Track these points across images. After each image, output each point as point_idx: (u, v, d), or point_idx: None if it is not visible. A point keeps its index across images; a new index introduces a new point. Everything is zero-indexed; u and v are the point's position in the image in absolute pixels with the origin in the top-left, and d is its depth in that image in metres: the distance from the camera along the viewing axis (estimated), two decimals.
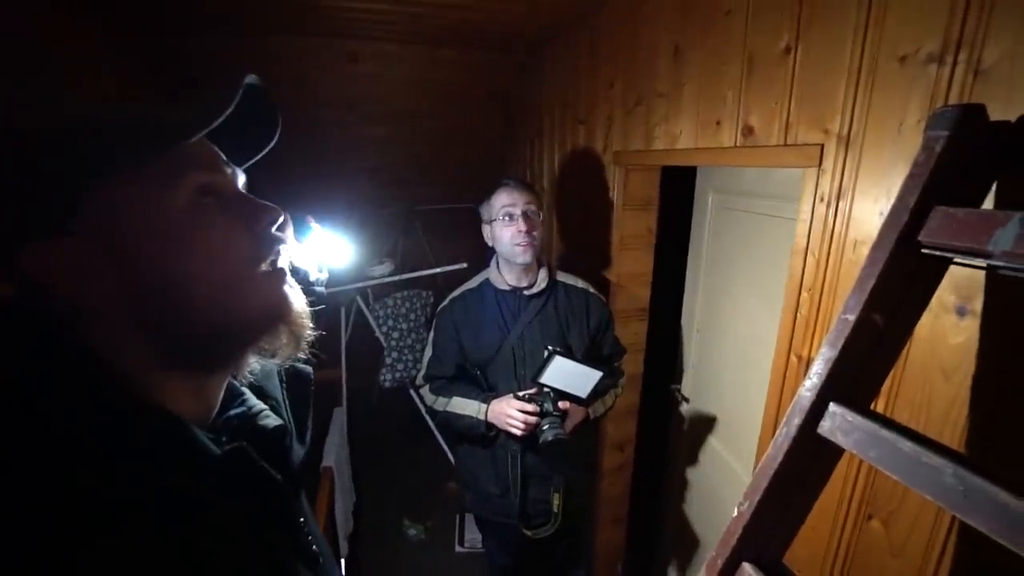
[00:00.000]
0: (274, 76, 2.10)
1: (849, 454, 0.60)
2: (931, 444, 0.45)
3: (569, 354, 1.26)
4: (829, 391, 0.60)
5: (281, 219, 0.46)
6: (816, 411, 0.61)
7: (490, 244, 1.44)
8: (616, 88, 1.55)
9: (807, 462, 0.64)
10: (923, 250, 0.55)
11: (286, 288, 0.47)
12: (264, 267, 0.45)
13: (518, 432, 1.27)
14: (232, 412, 0.50)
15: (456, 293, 1.47)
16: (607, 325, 1.53)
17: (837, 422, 0.58)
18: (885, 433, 0.49)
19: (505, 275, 1.42)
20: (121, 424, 0.38)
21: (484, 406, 1.33)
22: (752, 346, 1.42)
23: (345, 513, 2.07)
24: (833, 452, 0.63)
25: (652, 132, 1.36)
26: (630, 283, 1.71)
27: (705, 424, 1.71)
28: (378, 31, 1.89)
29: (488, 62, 2.29)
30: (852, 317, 0.57)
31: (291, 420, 0.56)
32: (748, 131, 1.00)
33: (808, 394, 0.61)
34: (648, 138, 1.39)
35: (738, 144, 1.02)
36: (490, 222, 1.40)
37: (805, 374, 0.88)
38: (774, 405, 0.98)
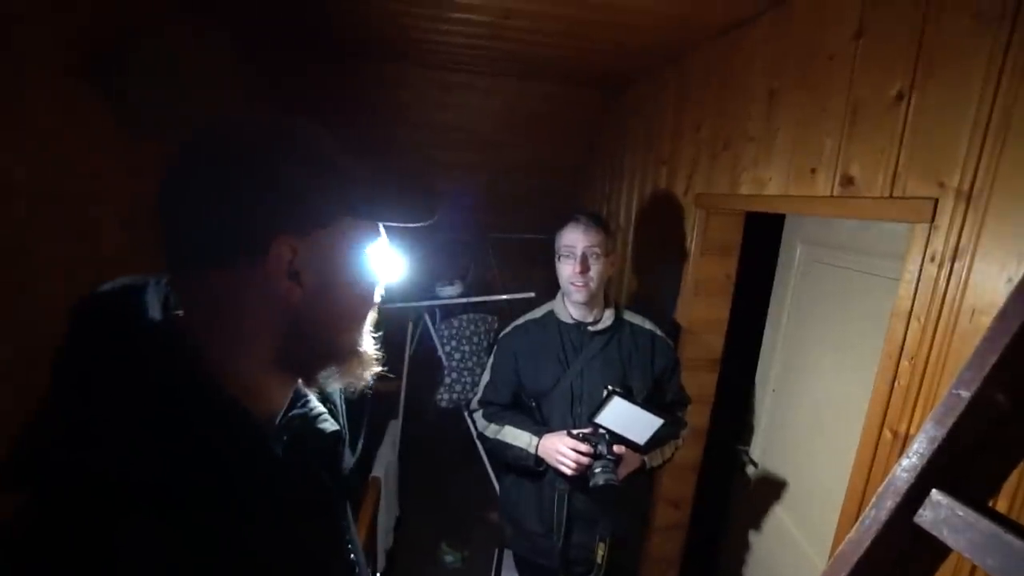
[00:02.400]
0: (374, 99, 2.29)
1: (956, 558, 0.51)
2: None
3: (629, 396, 1.21)
4: (932, 476, 0.52)
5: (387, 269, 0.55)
6: (915, 497, 0.53)
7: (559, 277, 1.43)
8: (703, 130, 1.52)
9: (899, 555, 0.55)
10: None
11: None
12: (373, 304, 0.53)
13: (568, 471, 1.22)
14: (295, 412, 0.53)
15: (519, 321, 1.47)
16: (673, 370, 1.45)
17: (942, 514, 0.49)
18: (1012, 539, 0.41)
19: (570, 308, 1.41)
20: (196, 413, 0.41)
21: (536, 439, 1.30)
22: (834, 413, 1.28)
23: (387, 527, 2.09)
24: (935, 549, 0.54)
25: (739, 176, 1.31)
26: (702, 330, 1.63)
27: (773, 492, 1.55)
28: (470, 63, 2.00)
29: (573, 97, 2.34)
30: (967, 393, 0.50)
31: (346, 427, 0.58)
32: (847, 181, 0.93)
33: (905, 475, 0.53)
34: (734, 182, 1.33)
35: (835, 194, 0.95)
36: (557, 256, 1.39)
37: (903, 452, 0.78)
38: (860, 483, 0.87)
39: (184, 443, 0.39)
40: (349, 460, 0.57)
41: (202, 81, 1.52)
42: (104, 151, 1.22)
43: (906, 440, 0.76)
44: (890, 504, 0.53)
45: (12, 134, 0.96)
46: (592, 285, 1.32)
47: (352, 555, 0.54)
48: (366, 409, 0.63)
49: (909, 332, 0.77)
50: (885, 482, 0.54)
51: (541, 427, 1.34)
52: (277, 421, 0.51)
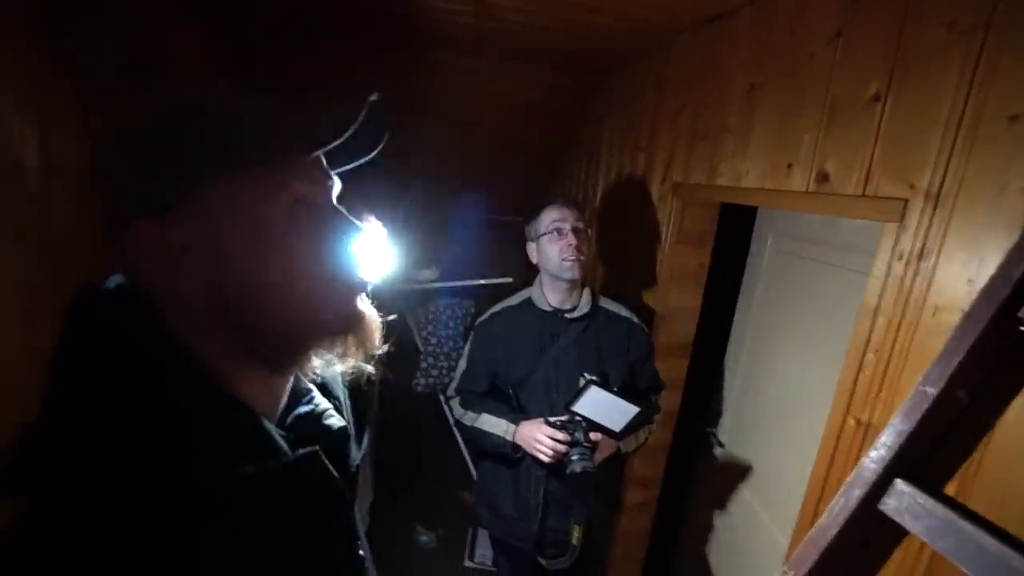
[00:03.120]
0: (349, 77, 2.20)
1: (910, 539, 0.55)
2: (1022, 547, 0.41)
3: (606, 385, 1.23)
4: (897, 466, 0.56)
5: (361, 235, 0.48)
6: (880, 486, 0.56)
7: (534, 262, 1.43)
8: (682, 120, 1.53)
9: (864, 539, 0.59)
10: (1022, 327, 0.50)
11: (358, 301, 0.48)
12: (341, 279, 0.46)
13: (545, 459, 1.25)
14: (301, 410, 0.51)
15: (496, 308, 1.47)
16: (647, 357, 1.49)
17: (905, 502, 0.53)
18: (965, 525, 0.45)
19: (548, 295, 1.41)
20: (199, 411, 0.40)
21: (513, 427, 1.32)
22: (799, 400, 1.35)
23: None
24: (895, 533, 0.58)
25: (716, 168, 1.33)
26: (675, 318, 1.67)
27: (739, 472, 1.62)
28: (452, 44, 1.94)
29: (555, 82, 2.31)
30: (933, 390, 0.53)
31: (351, 421, 0.57)
32: (822, 177, 0.96)
33: (873, 466, 0.57)
34: (712, 173, 1.36)
35: (810, 190, 0.98)
36: (537, 238, 1.39)
37: (864, 440, 0.82)
38: (824, 466, 0.92)
39: (186, 445, 0.38)
40: (356, 455, 0.56)
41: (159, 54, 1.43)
42: (59, 121, 1.14)
43: (868, 428, 0.81)
44: (858, 493, 0.56)
45: None
46: (584, 259, 1.34)
47: (361, 551, 0.54)
48: (371, 403, 0.61)
49: (875, 327, 0.81)
50: (854, 472, 0.58)
51: (518, 415, 1.35)
52: (285, 421, 0.49)
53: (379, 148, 0.50)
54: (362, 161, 0.51)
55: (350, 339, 0.46)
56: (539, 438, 1.25)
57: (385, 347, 0.51)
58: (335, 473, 0.45)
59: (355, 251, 0.47)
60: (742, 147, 1.22)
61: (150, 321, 0.41)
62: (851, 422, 0.86)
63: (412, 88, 2.30)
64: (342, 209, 0.47)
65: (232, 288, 0.41)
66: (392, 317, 0.52)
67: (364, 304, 0.48)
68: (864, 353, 0.83)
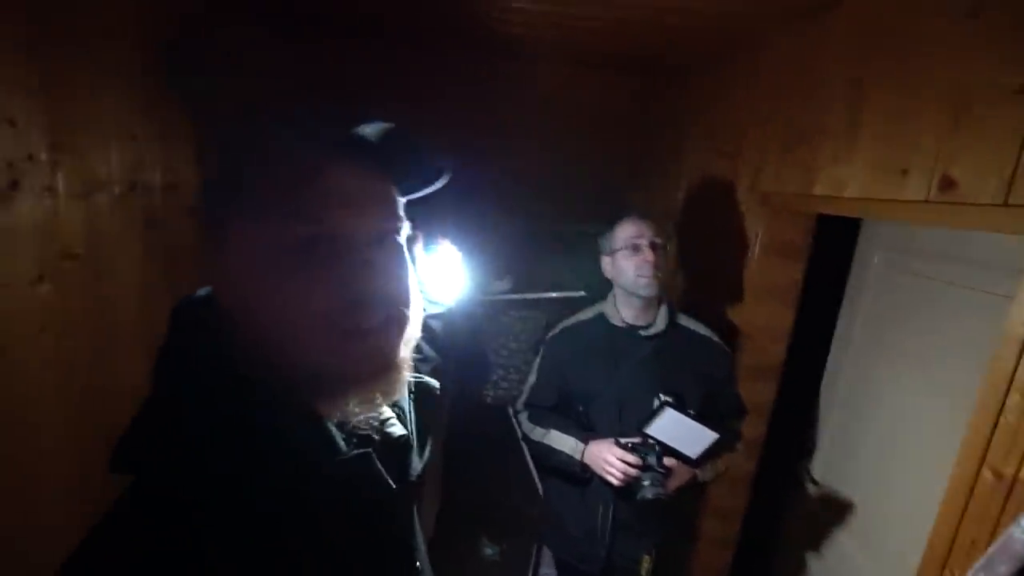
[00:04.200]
0: (412, 84, 2.29)
1: None
2: None
3: (683, 407, 1.15)
4: None
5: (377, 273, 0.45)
6: None
7: (608, 277, 1.38)
8: (774, 123, 1.41)
9: None
10: None
11: (362, 350, 0.44)
12: (344, 327, 0.43)
13: (615, 481, 1.18)
14: (361, 416, 0.51)
15: (568, 322, 1.44)
16: (729, 379, 1.38)
17: None
18: None
19: (622, 310, 1.35)
20: (273, 410, 0.43)
21: (581, 445, 1.27)
22: (913, 437, 1.17)
23: (429, 518, 2.12)
24: None
25: (814, 175, 1.20)
26: (763, 337, 1.52)
27: (836, 514, 1.45)
28: (521, 46, 1.94)
29: (629, 86, 2.25)
30: None
31: (414, 432, 0.57)
32: (947, 184, 0.82)
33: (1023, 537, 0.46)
34: (807, 181, 1.23)
35: (931, 199, 0.85)
36: (612, 253, 1.34)
37: (1007, 498, 0.69)
38: (951, 523, 0.78)
39: (255, 442, 0.41)
40: (417, 466, 0.56)
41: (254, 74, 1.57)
42: (179, 149, 1.29)
43: (1013, 485, 0.67)
44: (1003, 570, 0.46)
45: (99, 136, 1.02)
46: (661, 276, 1.27)
47: (417, 563, 0.54)
48: (435, 415, 0.62)
49: (1022, 362, 0.67)
50: (998, 542, 0.48)
51: (587, 433, 1.30)
52: (343, 426, 0.50)
53: (437, 183, 0.51)
54: (418, 194, 0.52)
55: (369, 389, 0.45)
56: (609, 460, 1.19)
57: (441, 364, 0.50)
58: (387, 477, 0.46)
59: (375, 291, 0.44)
60: (845, 151, 1.09)
61: (229, 329, 0.44)
62: (987, 475, 0.72)
63: (481, 98, 2.34)
64: (349, 259, 0.44)
65: (254, 327, 0.44)
66: (435, 361, 0.51)
67: (369, 353, 0.45)
68: (1007, 393, 0.69)
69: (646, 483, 1.13)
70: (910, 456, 1.18)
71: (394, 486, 0.47)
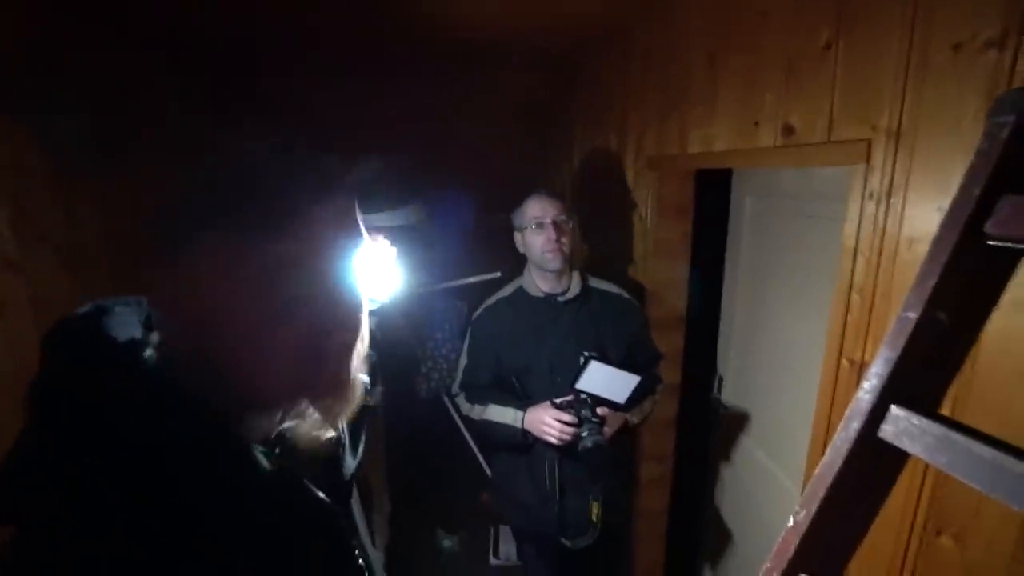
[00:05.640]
0: (321, 104, 2.19)
1: (913, 463, 0.57)
2: (1015, 450, 0.43)
3: (605, 359, 1.25)
4: (890, 393, 0.57)
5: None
6: (877, 414, 0.58)
7: (521, 251, 1.45)
8: (650, 97, 1.55)
9: (868, 468, 0.61)
10: (989, 242, 0.52)
11: (327, 368, 0.46)
12: (289, 337, 0.43)
13: (554, 440, 1.26)
14: (288, 423, 0.51)
15: (490, 301, 1.48)
16: (642, 330, 1.51)
17: (901, 426, 0.55)
18: (958, 437, 0.46)
19: (538, 282, 1.43)
20: (175, 431, 0.40)
21: (521, 413, 1.33)
22: (794, 351, 1.37)
23: (382, 524, 2.09)
24: (897, 458, 0.60)
25: (687, 136, 1.35)
26: (665, 291, 1.69)
27: (747, 432, 1.65)
28: (416, 54, 1.94)
29: (520, 76, 2.32)
30: (913, 315, 0.55)
31: (346, 430, 0.57)
32: (788, 131, 0.98)
33: (867, 396, 0.58)
34: (683, 142, 1.37)
35: (778, 144, 1.00)
36: (521, 230, 1.41)
37: (859, 378, 0.84)
38: (825, 411, 0.94)
39: (162, 467, 0.38)
40: (351, 464, 0.56)
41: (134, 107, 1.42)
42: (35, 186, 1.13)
43: (862, 366, 0.83)
44: (856, 424, 0.58)
45: None
46: (566, 250, 1.36)
47: (360, 560, 0.54)
48: (366, 412, 0.62)
49: (856, 267, 0.83)
50: (850, 406, 0.59)
51: (524, 401, 1.36)
52: (274, 432, 0.49)
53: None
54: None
55: (302, 402, 0.46)
56: (547, 421, 1.26)
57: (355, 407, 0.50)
58: (314, 489, 0.45)
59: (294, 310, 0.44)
60: (710, 113, 1.24)
61: (129, 345, 0.42)
62: (845, 363, 0.88)
63: (388, 107, 2.30)
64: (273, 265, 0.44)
65: (207, 345, 0.42)
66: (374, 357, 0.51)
67: (322, 365, 0.45)
68: (849, 295, 0.85)
69: (585, 434, 1.22)
70: (794, 367, 1.38)
71: (323, 496, 0.46)
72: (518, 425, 1.32)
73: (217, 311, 0.41)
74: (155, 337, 0.44)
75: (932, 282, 0.52)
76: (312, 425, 0.49)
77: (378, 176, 0.48)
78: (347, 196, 0.46)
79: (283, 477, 0.44)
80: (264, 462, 0.44)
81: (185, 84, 1.75)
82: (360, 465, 0.62)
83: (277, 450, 0.48)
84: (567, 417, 1.25)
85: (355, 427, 0.60)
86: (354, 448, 0.59)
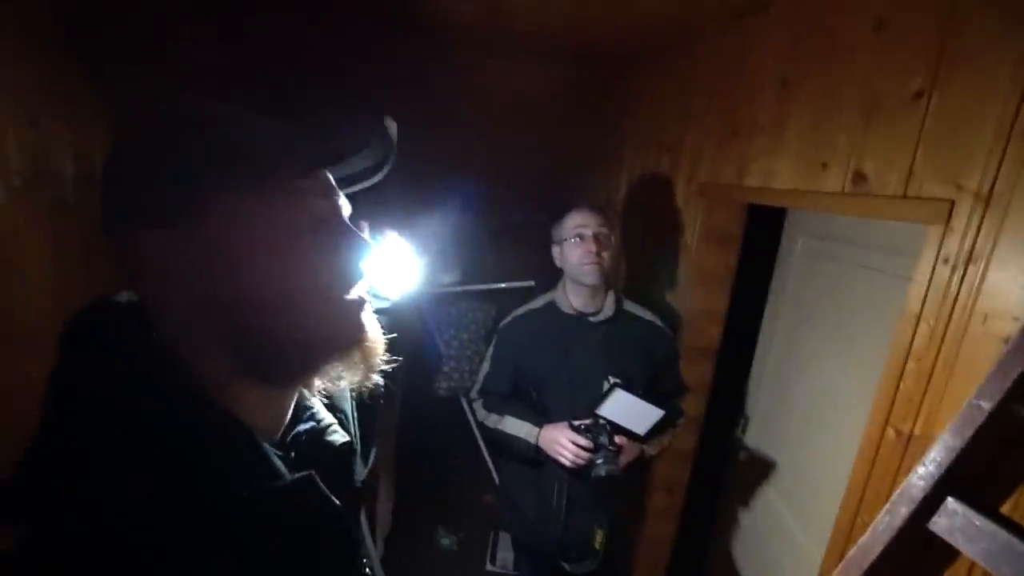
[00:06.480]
0: (372, 75, 2.22)
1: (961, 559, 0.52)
2: None
3: (631, 388, 1.21)
4: (948, 485, 0.53)
5: (371, 251, 0.47)
6: (930, 504, 0.53)
7: (559, 265, 1.42)
8: (710, 118, 1.49)
9: (911, 561, 0.56)
10: None
11: (364, 316, 0.47)
12: (350, 294, 0.46)
13: (568, 463, 1.23)
14: (302, 427, 0.50)
15: (520, 311, 1.47)
16: (672, 360, 1.46)
17: (958, 522, 0.50)
18: None
19: (571, 298, 1.40)
20: (194, 433, 0.39)
21: (536, 430, 1.31)
22: (832, 406, 1.30)
23: (385, 514, 2.11)
24: (945, 555, 0.55)
25: (746, 167, 1.29)
26: (700, 320, 1.63)
27: (767, 480, 1.58)
28: (464, 40, 1.93)
29: (576, 80, 2.29)
30: (987, 405, 0.50)
31: (357, 436, 0.56)
32: (860, 178, 0.92)
33: (921, 483, 0.54)
34: (741, 172, 1.32)
35: (847, 191, 0.94)
36: (560, 242, 1.38)
37: (905, 452, 0.79)
38: (861, 478, 0.88)
39: (181, 471, 0.37)
40: (361, 471, 0.55)
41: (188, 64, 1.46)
42: (92, 132, 1.17)
43: (910, 440, 0.77)
44: (904, 511, 0.53)
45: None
46: (605, 265, 1.32)
47: (367, 569, 0.53)
48: (377, 416, 0.61)
49: (917, 334, 0.77)
50: (900, 489, 0.55)
51: (541, 418, 1.34)
52: (283, 438, 0.48)
53: (382, 173, 0.51)
54: (365, 185, 0.52)
55: (355, 356, 0.46)
56: (562, 443, 1.23)
57: (393, 360, 0.50)
58: (332, 497, 0.44)
59: (364, 268, 0.47)
60: (774, 145, 1.19)
61: (147, 339, 0.40)
62: (891, 433, 0.82)
63: (429, 89, 2.30)
64: (352, 226, 0.47)
65: (242, 301, 0.41)
66: (394, 335, 0.51)
67: (369, 321, 0.48)
68: (905, 361, 0.79)
69: (599, 461, 1.19)
70: (828, 422, 1.31)
71: (339, 504, 0.45)
72: (532, 440, 1.30)
73: (260, 275, 0.41)
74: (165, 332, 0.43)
75: (1016, 372, 0.48)
76: (355, 379, 0.48)
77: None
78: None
79: (300, 483, 0.43)
80: (282, 468, 0.43)
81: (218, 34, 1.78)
82: (370, 472, 0.61)
83: (292, 454, 0.48)
84: (583, 441, 1.22)
85: (366, 432, 0.59)
86: (365, 455, 0.58)
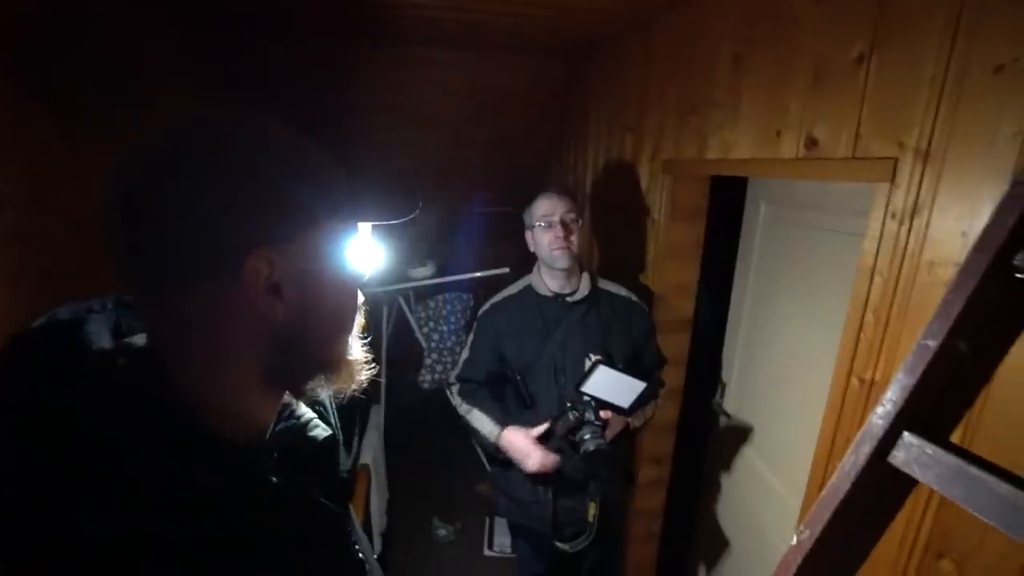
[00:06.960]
0: (327, 79, 2.18)
1: (919, 489, 0.56)
2: None
3: (613, 364, 1.25)
4: (904, 420, 0.56)
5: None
6: (888, 440, 0.57)
7: (532, 250, 1.44)
8: (669, 96, 1.52)
9: (876, 493, 0.60)
10: (1018, 275, 0.51)
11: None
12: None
13: (533, 471, 1.28)
14: (283, 424, 0.51)
15: (498, 298, 1.48)
16: (649, 334, 1.50)
17: (913, 454, 0.54)
18: (975, 471, 0.46)
19: (547, 281, 1.42)
20: (184, 455, 0.38)
21: (498, 430, 1.35)
22: (800, 363, 1.36)
23: (379, 510, 2.11)
24: (905, 485, 0.59)
25: (706, 141, 1.33)
26: (674, 294, 1.68)
27: (747, 441, 1.65)
28: (428, 36, 1.92)
29: (537, 68, 2.29)
30: (934, 343, 0.54)
31: (339, 428, 0.57)
32: (812, 143, 0.96)
33: (880, 422, 0.58)
34: (701, 147, 1.36)
35: (800, 156, 0.98)
36: (531, 228, 1.41)
37: (868, 398, 0.84)
38: (831, 427, 0.94)
39: (162, 489, 0.36)
40: (345, 462, 0.56)
41: (148, 73, 1.41)
42: (47, 155, 1.12)
43: (872, 386, 0.82)
44: (867, 449, 0.57)
45: None
46: (574, 249, 1.35)
47: (360, 555, 0.54)
48: (358, 407, 0.62)
49: (873, 287, 0.82)
50: (861, 430, 0.59)
51: (507, 418, 1.38)
52: (268, 435, 0.49)
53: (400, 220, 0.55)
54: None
55: (344, 370, 0.50)
56: (524, 451, 1.30)
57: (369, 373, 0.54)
58: (322, 500, 0.46)
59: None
60: (731, 118, 1.22)
61: (104, 359, 0.41)
62: (855, 382, 0.87)
63: (395, 86, 2.28)
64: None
65: (311, 318, 0.44)
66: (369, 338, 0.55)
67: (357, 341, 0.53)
68: (863, 313, 0.84)
69: (587, 437, 1.22)
70: (798, 380, 1.37)
71: (328, 504, 0.46)
72: (492, 439, 1.35)
73: (328, 291, 0.45)
74: (138, 340, 0.43)
75: (956, 311, 0.52)
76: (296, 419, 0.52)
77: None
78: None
79: (286, 486, 0.44)
80: (268, 473, 0.44)
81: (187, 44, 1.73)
82: (354, 462, 0.63)
83: (275, 454, 0.48)
84: (549, 460, 1.28)
85: (348, 424, 0.60)
86: (348, 446, 0.60)
